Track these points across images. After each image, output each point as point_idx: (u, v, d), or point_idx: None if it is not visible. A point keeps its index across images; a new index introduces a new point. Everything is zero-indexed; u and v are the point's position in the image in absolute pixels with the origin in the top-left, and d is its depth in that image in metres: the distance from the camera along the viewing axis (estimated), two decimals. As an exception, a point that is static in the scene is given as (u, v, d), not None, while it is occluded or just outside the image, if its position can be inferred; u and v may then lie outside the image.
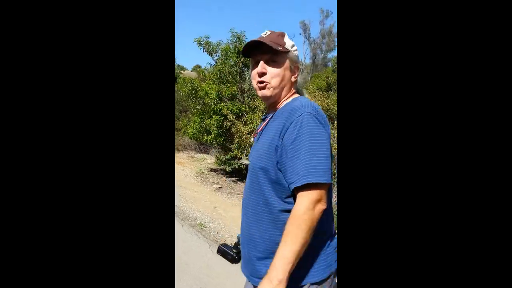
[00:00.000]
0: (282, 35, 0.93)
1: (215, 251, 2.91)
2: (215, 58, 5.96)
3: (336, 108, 5.61)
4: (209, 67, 6.36)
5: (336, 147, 2.95)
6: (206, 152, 8.24)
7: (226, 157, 5.64)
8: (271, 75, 0.90)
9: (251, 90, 5.71)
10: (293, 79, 0.94)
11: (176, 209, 3.93)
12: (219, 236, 3.20)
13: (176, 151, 7.97)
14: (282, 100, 0.94)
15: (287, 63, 0.92)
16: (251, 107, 5.38)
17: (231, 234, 3.30)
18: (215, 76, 5.68)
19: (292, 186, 0.79)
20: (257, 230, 0.87)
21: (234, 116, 5.16)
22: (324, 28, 18.76)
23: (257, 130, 0.98)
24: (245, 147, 5.08)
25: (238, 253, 1.07)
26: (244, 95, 5.74)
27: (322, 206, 0.77)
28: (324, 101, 5.16)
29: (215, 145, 5.85)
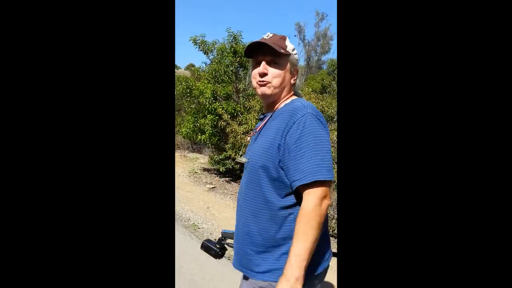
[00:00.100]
0: (284, 38, 0.96)
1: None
2: (211, 57, 5.91)
3: (330, 110, 5.66)
4: (204, 66, 6.31)
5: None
6: (199, 151, 8.17)
7: (220, 157, 5.60)
8: (273, 76, 0.92)
9: (246, 90, 5.69)
10: (292, 81, 0.97)
11: (169, 209, 3.87)
12: (212, 237, 3.16)
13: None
14: (281, 101, 0.96)
15: (288, 65, 0.94)
16: (246, 107, 5.35)
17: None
18: (210, 75, 5.63)
19: (297, 184, 0.81)
20: (256, 226, 0.88)
21: (229, 116, 5.12)
22: (319, 30, 18.87)
23: (256, 129, 0.99)
24: (239, 147, 5.04)
25: (222, 248, 1.09)
26: (239, 95, 5.70)
27: (328, 202, 0.81)
28: (319, 103, 5.19)
29: (209, 144, 5.79)
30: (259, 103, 5.01)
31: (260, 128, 0.96)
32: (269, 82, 0.92)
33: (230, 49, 5.46)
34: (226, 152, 5.27)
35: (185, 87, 5.55)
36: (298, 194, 0.86)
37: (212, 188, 5.29)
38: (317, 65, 19.16)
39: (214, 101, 5.37)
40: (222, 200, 4.69)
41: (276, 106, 0.96)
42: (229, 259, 2.72)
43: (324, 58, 19.27)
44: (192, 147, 8.31)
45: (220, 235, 1.18)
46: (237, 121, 5.16)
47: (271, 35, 0.95)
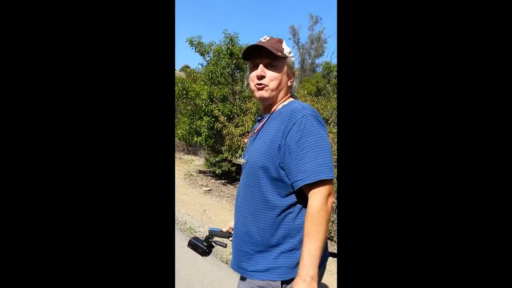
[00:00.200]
0: (281, 41, 0.97)
1: (206, 257, 2.82)
2: (207, 59, 5.88)
3: (325, 113, 5.69)
4: (201, 67, 6.27)
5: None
6: (195, 153, 8.10)
7: (216, 159, 5.55)
8: (270, 78, 0.93)
9: (243, 92, 5.67)
10: (289, 83, 0.99)
11: (165, 213, 3.81)
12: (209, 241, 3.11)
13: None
14: (279, 103, 0.97)
15: (285, 68, 0.96)
16: (243, 109, 5.33)
17: (222, 239, 3.21)
18: (206, 77, 5.59)
19: (301, 184, 0.82)
20: (255, 226, 0.89)
21: (225, 118, 5.09)
22: (313, 33, 19.00)
23: (254, 130, 1.00)
24: (236, 149, 5.01)
25: (209, 246, 1.11)
26: (236, 97, 5.68)
27: (332, 199, 0.83)
28: (314, 105, 5.21)
29: (205, 147, 5.74)
30: (255, 105, 4.99)
31: (258, 129, 0.97)
32: (267, 85, 0.94)
33: (227, 51, 5.44)
34: (223, 154, 5.24)
35: (181, 88, 5.50)
36: (298, 194, 0.87)
37: (208, 190, 5.25)
38: (311, 68, 19.30)
39: (210, 102, 5.33)
40: (218, 203, 4.65)
41: (273, 108, 0.97)
42: (226, 263, 2.69)
43: (317, 61, 19.41)
44: (187, 149, 8.25)
45: (215, 240, 1.18)
46: (233, 123, 5.13)
47: (268, 38, 0.96)
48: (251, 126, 4.66)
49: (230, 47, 5.41)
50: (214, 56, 5.65)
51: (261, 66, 0.94)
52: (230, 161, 5.25)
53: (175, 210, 4.00)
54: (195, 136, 5.57)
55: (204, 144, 5.52)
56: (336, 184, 2.68)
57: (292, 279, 0.86)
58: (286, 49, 0.97)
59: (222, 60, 5.46)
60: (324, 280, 1.00)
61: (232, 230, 1.16)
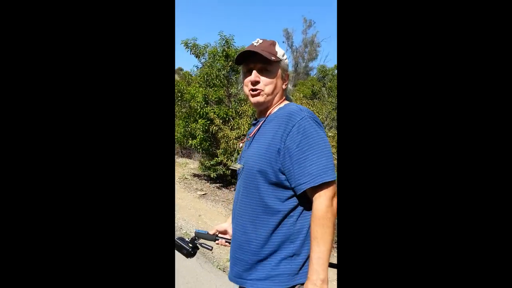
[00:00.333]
0: (274, 44, 0.96)
1: (203, 264, 2.74)
2: (202, 61, 5.81)
3: (321, 116, 5.68)
4: (196, 69, 6.19)
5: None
6: (189, 156, 8.00)
7: (211, 163, 5.47)
8: (265, 83, 0.92)
9: (239, 94, 5.61)
10: (284, 86, 0.97)
11: (160, 218, 3.71)
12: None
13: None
14: (274, 106, 0.96)
15: (279, 71, 0.94)
16: (238, 112, 5.27)
17: (219, 245, 3.14)
18: (201, 79, 5.52)
19: (305, 187, 0.81)
20: (255, 233, 0.86)
21: (220, 121, 5.02)
22: (306, 37, 19.14)
23: (250, 134, 0.98)
24: (231, 152, 4.95)
25: (194, 248, 1.09)
26: (231, 99, 5.62)
27: (337, 200, 0.82)
28: (310, 108, 5.20)
29: (200, 150, 5.66)
30: (251, 108, 4.94)
31: (254, 133, 0.95)
32: (262, 90, 0.92)
33: (222, 53, 5.38)
34: (218, 157, 5.16)
35: (176, 90, 5.41)
36: (299, 197, 0.85)
37: (203, 194, 5.16)
38: (305, 71, 19.43)
39: (205, 105, 5.25)
40: (213, 207, 4.57)
41: (269, 111, 0.96)
42: (224, 271, 2.61)
43: (311, 64, 19.57)
44: (181, 152, 8.14)
45: (213, 245, 1.16)
46: (229, 126, 5.07)
47: (260, 41, 0.95)
48: (247, 129, 4.61)
49: (226, 49, 5.36)
50: (209, 58, 5.59)
51: (254, 72, 0.92)
52: (225, 165, 5.17)
53: (174, 216, 3.90)
54: (190, 139, 5.48)
55: (199, 147, 5.43)
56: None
57: (293, 287, 0.83)
58: (280, 51, 0.95)
59: (217, 62, 5.40)
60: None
61: (218, 233, 1.14)
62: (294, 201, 0.86)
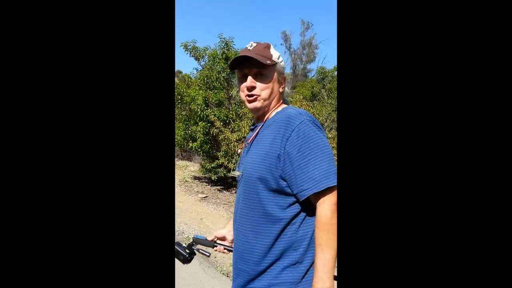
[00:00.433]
0: (268, 46, 0.93)
1: (207, 269, 2.71)
2: (202, 63, 5.80)
3: (321, 118, 5.68)
4: (195, 72, 6.18)
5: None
6: (189, 159, 7.97)
7: (212, 165, 5.45)
8: (261, 88, 0.90)
9: (239, 96, 5.60)
10: (281, 89, 0.95)
11: (161, 222, 3.68)
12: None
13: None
14: (272, 110, 0.93)
15: (275, 75, 0.92)
16: (239, 114, 5.26)
17: (206, 248, 3.11)
18: (201, 81, 5.51)
19: (308, 193, 0.78)
20: (256, 242, 0.84)
21: (221, 123, 5.00)
22: (304, 39, 19.19)
23: (247, 141, 0.96)
24: (232, 155, 4.93)
25: (191, 253, 1.06)
26: (232, 101, 5.61)
27: None
28: (310, 110, 5.19)
29: (201, 152, 5.63)
30: (252, 110, 4.92)
31: (252, 139, 0.92)
32: (258, 95, 0.90)
33: (222, 55, 5.37)
34: (218, 160, 5.14)
35: (176, 93, 5.39)
36: (302, 203, 0.83)
37: (204, 197, 5.13)
38: (303, 73, 19.47)
39: (205, 108, 5.23)
40: (215, 210, 4.54)
41: (266, 116, 0.93)
42: (228, 276, 2.58)
43: (309, 66, 19.61)
44: (181, 154, 8.11)
45: (215, 250, 1.13)
46: (229, 128, 5.05)
47: (254, 44, 0.92)
48: (247, 131, 4.59)
49: (226, 52, 5.35)
50: (209, 61, 5.57)
51: (250, 77, 0.90)
52: (226, 167, 5.15)
53: (174, 220, 3.87)
54: (190, 141, 5.45)
55: (199, 149, 5.41)
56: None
57: None
58: (275, 54, 0.93)
59: (217, 65, 5.39)
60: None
61: (217, 239, 1.12)
62: (296, 207, 0.83)
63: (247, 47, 0.92)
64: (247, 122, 4.84)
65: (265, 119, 0.93)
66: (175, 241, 1.10)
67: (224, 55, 5.33)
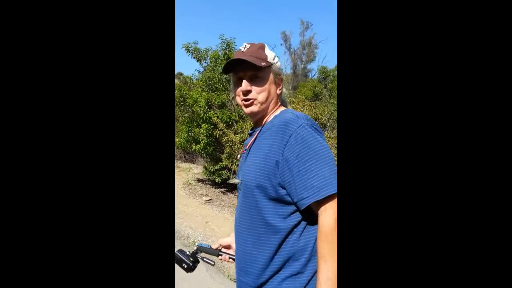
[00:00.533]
0: (263, 47, 0.89)
1: (214, 275, 2.67)
2: (204, 65, 5.77)
3: (324, 118, 5.64)
4: (197, 74, 6.14)
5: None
6: (192, 161, 7.94)
7: (216, 167, 5.41)
8: (257, 91, 0.86)
9: (235, 101, 5.55)
10: (278, 91, 0.91)
11: (166, 226, 3.64)
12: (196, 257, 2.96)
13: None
14: (270, 114, 0.90)
15: (271, 76, 0.88)
16: (242, 115, 5.22)
17: (210, 256, 3.07)
18: (204, 83, 5.47)
19: (309, 201, 0.74)
20: (258, 253, 0.81)
21: (224, 125, 4.97)
22: (304, 39, 19.16)
23: (245, 146, 0.93)
24: (236, 157, 4.89)
25: (195, 262, 1.03)
26: (234, 103, 5.57)
27: None
28: (312, 110, 5.15)
29: (204, 155, 5.60)
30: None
31: (250, 145, 0.89)
32: (255, 99, 0.86)
33: (224, 56, 5.34)
34: (222, 162, 5.10)
35: (178, 95, 5.36)
36: (303, 212, 0.79)
37: (209, 200, 5.09)
38: (303, 73, 19.46)
39: (208, 109, 5.20)
40: (220, 213, 4.50)
41: (264, 120, 0.89)
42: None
43: (309, 66, 19.60)
44: (184, 157, 8.08)
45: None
46: (232, 130, 5.01)
47: (248, 46, 0.88)
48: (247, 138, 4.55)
49: (227, 53, 5.31)
50: (211, 62, 5.54)
51: (245, 81, 0.86)
52: (230, 169, 5.11)
53: (175, 223, 3.83)
54: (194, 144, 5.42)
55: (203, 152, 5.37)
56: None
57: None
58: (270, 54, 0.88)
59: (219, 66, 5.35)
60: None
61: (222, 247, 1.08)
62: (297, 216, 0.80)
63: (240, 49, 0.89)
64: (250, 124, 4.80)
65: (263, 123, 0.89)
66: (179, 248, 1.08)
67: (226, 56, 5.29)
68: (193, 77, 6.27)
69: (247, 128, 4.78)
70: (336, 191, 0.73)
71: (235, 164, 4.88)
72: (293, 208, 0.79)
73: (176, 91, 5.44)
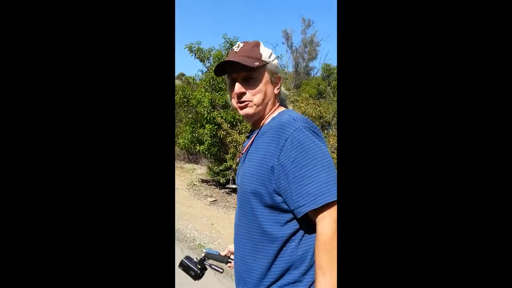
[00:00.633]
0: (257, 45, 0.85)
1: (222, 279, 2.62)
2: (207, 65, 5.72)
3: (328, 116, 5.57)
4: (200, 74, 6.10)
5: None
6: (196, 162, 7.92)
7: (220, 168, 5.37)
8: (252, 93, 0.82)
9: (231, 104, 5.51)
10: (275, 91, 0.85)
11: (172, 229, 3.60)
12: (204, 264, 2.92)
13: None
14: (267, 115, 0.85)
15: (267, 76, 0.83)
16: (246, 115, 5.16)
17: (218, 263, 3.03)
18: (207, 83, 5.42)
19: (305, 210, 0.71)
20: (255, 262, 0.79)
21: (228, 125, 4.92)
22: (305, 37, 19.06)
23: (243, 150, 0.90)
24: (235, 160, 4.84)
25: (203, 269, 1.01)
26: (231, 106, 5.52)
27: None
28: (317, 108, 5.09)
29: (208, 155, 5.56)
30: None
31: (247, 148, 0.85)
32: (250, 101, 0.81)
33: (227, 56, 5.29)
34: (227, 162, 5.05)
35: (181, 96, 5.32)
36: (301, 220, 0.76)
37: (213, 201, 5.06)
38: (305, 71, 19.38)
39: (212, 110, 5.15)
40: (225, 214, 4.46)
41: (262, 122, 0.85)
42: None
43: (311, 64, 19.52)
44: (188, 157, 8.06)
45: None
46: (237, 130, 4.96)
47: (241, 45, 0.84)
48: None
49: (231, 52, 5.26)
50: (214, 62, 5.49)
51: (237, 83, 0.81)
52: (234, 170, 5.07)
53: (180, 225, 3.80)
54: (198, 145, 5.38)
55: (207, 152, 5.33)
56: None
57: None
58: (265, 53, 0.83)
59: (223, 66, 5.30)
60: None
61: (231, 254, 1.05)
62: (295, 224, 0.76)
63: (233, 49, 0.85)
64: (254, 124, 4.75)
65: (261, 125, 0.84)
66: (186, 254, 1.06)
67: (229, 55, 5.24)
68: (196, 78, 6.22)
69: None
70: (334, 199, 0.69)
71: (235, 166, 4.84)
72: (290, 215, 0.76)
73: (180, 92, 5.40)
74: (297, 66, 19.11)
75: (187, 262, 1.00)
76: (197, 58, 5.54)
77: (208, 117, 5.07)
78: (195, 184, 6.05)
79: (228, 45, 5.36)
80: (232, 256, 1.04)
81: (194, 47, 5.45)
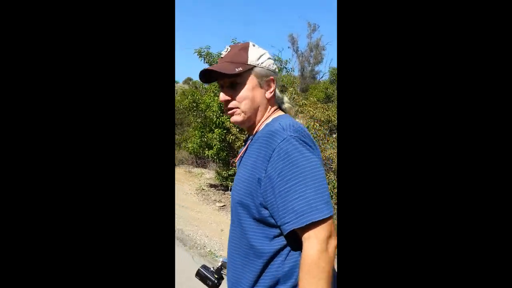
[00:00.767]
0: (245, 47, 0.79)
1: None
2: (216, 69, 5.72)
3: (336, 120, 5.50)
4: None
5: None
6: (204, 166, 7.89)
7: (229, 173, 5.33)
8: (238, 100, 0.77)
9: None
10: (268, 95, 0.79)
11: (182, 235, 3.56)
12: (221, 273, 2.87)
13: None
14: (261, 122, 0.80)
15: (254, 80, 0.77)
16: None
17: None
18: (216, 87, 5.42)
19: (289, 227, 0.66)
20: (243, 275, 0.75)
21: (237, 130, 4.89)
22: (311, 41, 19.07)
23: (237, 156, 0.86)
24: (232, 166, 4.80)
25: (220, 278, 0.97)
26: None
27: (334, 242, 0.66)
28: (325, 113, 5.02)
29: (217, 160, 5.53)
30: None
31: (241, 155, 0.82)
32: (237, 108, 0.77)
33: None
34: (235, 167, 5.02)
35: (191, 101, 5.32)
36: (288, 236, 0.70)
37: (222, 206, 5.01)
38: (311, 75, 19.37)
39: (221, 114, 5.13)
40: (235, 220, 4.41)
41: (256, 129, 0.80)
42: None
43: (317, 68, 19.51)
44: (196, 162, 8.05)
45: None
46: (246, 135, 4.94)
47: (229, 48, 0.80)
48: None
49: (240, 57, 5.25)
50: (223, 66, 5.49)
51: (222, 91, 0.78)
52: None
53: (190, 231, 3.75)
54: (206, 149, 5.36)
55: (216, 157, 5.30)
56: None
57: None
58: (254, 55, 0.77)
59: (232, 70, 5.30)
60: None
61: None
62: (282, 240, 0.71)
63: (222, 53, 0.81)
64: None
65: (254, 132, 0.80)
66: (202, 264, 1.03)
67: (239, 60, 5.23)
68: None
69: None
70: (323, 217, 0.64)
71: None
72: (278, 230, 0.71)
73: (189, 96, 5.40)
74: (303, 70, 19.10)
75: (204, 272, 0.97)
76: (206, 62, 5.54)
77: (217, 122, 5.05)
78: (203, 189, 6.02)
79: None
80: None
81: (204, 51, 5.46)
